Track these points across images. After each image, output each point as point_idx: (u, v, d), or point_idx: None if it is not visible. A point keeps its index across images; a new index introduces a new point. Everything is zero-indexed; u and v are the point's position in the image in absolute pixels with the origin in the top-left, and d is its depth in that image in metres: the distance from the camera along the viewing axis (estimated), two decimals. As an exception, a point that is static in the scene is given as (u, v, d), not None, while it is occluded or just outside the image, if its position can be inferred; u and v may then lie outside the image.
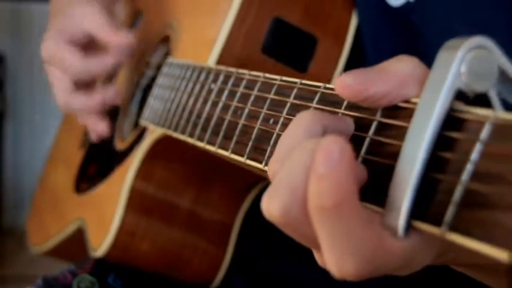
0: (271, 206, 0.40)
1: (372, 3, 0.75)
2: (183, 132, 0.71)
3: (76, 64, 0.88)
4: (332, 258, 0.38)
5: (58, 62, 0.90)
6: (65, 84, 0.91)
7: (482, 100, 0.37)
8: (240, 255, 0.89)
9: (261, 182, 0.86)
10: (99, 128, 0.94)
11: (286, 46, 0.77)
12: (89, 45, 0.91)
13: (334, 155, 0.36)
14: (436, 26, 0.68)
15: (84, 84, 0.92)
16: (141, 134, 0.89)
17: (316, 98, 0.50)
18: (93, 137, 0.98)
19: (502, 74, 0.37)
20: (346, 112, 0.46)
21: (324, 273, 0.82)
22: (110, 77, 1.09)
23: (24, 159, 2.42)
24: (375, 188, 0.40)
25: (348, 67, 0.79)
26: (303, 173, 0.39)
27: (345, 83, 0.42)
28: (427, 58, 0.73)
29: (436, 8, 0.68)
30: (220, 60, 0.75)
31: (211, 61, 0.75)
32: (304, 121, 0.44)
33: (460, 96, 0.37)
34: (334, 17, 0.79)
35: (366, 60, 0.78)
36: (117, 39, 0.88)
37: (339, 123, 0.45)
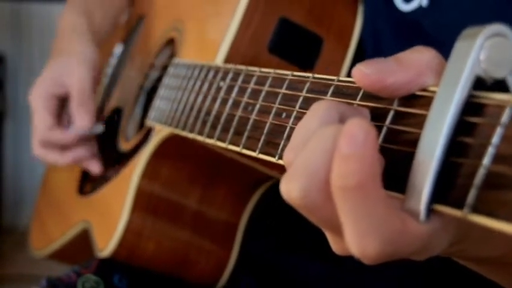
0: (291, 188, 0.41)
1: (380, 7, 0.76)
2: (191, 131, 0.71)
3: (43, 131, 0.99)
4: (354, 239, 0.39)
5: (33, 117, 1.01)
6: (38, 139, 1.01)
7: (500, 86, 0.38)
8: (246, 254, 0.89)
9: (267, 181, 0.86)
10: (89, 169, 1.03)
11: (293, 46, 0.78)
12: (66, 100, 1.01)
13: (360, 136, 0.37)
14: (449, 31, 0.69)
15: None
16: (147, 135, 0.90)
17: (330, 91, 0.51)
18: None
19: (520, 61, 0.38)
20: (362, 103, 0.47)
21: (331, 269, 0.82)
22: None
23: (24, 159, 2.41)
24: (394, 175, 0.41)
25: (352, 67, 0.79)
26: (322, 156, 0.40)
27: (363, 73, 0.43)
28: None
29: (449, 13, 0.69)
30: (227, 60, 0.76)
31: (218, 61, 0.76)
32: (320, 110, 0.45)
33: (478, 82, 0.38)
34: (339, 17, 0.80)
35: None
36: (80, 121, 0.98)
37: (355, 112, 0.45)
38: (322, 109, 0.45)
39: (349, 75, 0.79)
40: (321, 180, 0.40)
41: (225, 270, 0.89)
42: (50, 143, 1.00)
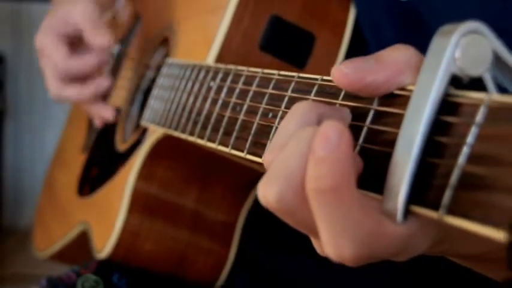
0: (267, 192, 0.41)
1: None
2: (183, 131, 0.71)
3: (61, 62, 0.94)
4: (330, 242, 0.39)
5: (47, 57, 0.96)
6: (55, 75, 0.97)
7: (477, 85, 0.38)
8: (242, 253, 0.89)
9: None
10: (103, 113, 0.99)
11: (285, 43, 0.77)
12: (80, 40, 0.97)
13: (333, 139, 0.37)
14: (446, 19, 0.68)
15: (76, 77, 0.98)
16: (142, 135, 0.90)
17: (314, 90, 0.50)
18: (97, 123, 1.02)
19: (497, 58, 0.38)
20: (344, 102, 0.46)
21: (326, 269, 0.82)
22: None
23: (24, 159, 2.42)
24: (373, 175, 0.41)
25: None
26: (298, 159, 0.40)
27: (342, 72, 0.43)
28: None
29: (446, 1, 0.68)
30: (219, 59, 0.75)
31: (210, 60, 0.76)
32: (298, 111, 0.45)
33: (455, 81, 0.38)
34: (332, 14, 0.79)
35: (368, 54, 0.78)
36: (97, 41, 0.93)
37: (335, 113, 0.45)
38: (300, 110, 0.44)
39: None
40: (297, 183, 0.40)
41: (223, 269, 0.88)
42: (69, 73, 0.96)
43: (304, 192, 0.39)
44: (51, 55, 0.95)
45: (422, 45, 0.72)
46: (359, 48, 0.79)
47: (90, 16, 0.95)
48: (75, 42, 0.98)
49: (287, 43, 0.77)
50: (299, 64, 0.77)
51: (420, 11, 0.70)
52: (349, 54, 0.79)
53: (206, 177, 0.86)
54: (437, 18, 0.68)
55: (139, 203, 0.84)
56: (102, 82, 0.97)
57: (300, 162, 0.40)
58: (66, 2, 0.99)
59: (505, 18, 0.62)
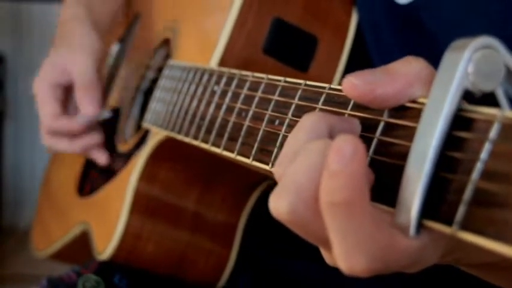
0: (278, 204, 0.41)
1: (377, 1, 0.75)
2: (186, 135, 0.71)
3: (49, 120, 0.98)
4: (342, 255, 0.39)
5: (38, 106, 0.99)
6: (45, 129, 1.01)
7: (489, 99, 0.38)
8: (244, 255, 0.89)
9: (265, 180, 0.86)
10: (97, 160, 1.01)
11: (287, 46, 0.77)
12: (71, 89, 0.99)
13: (347, 153, 0.37)
14: (446, 22, 0.68)
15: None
16: (144, 136, 0.89)
17: (322, 99, 0.50)
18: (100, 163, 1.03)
19: (509, 73, 0.38)
20: (353, 113, 0.46)
21: (329, 270, 0.82)
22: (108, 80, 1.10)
23: (24, 159, 2.41)
24: (384, 188, 0.41)
25: (351, 65, 0.79)
26: (309, 172, 0.40)
27: (352, 84, 0.43)
28: (435, 54, 0.73)
29: (445, 6, 0.68)
30: (222, 62, 0.75)
31: (213, 63, 0.75)
32: (309, 122, 0.45)
33: (467, 95, 0.38)
34: (334, 17, 0.79)
35: (369, 58, 0.78)
36: (86, 109, 0.96)
37: (344, 124, 0.45)
38: (310, 122, 0.44)
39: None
40: (309, 196, 0.40)
41: (225, 270, 0.89)
42: (57, 131, 0.99)
43: (316, 204, 0.39)
44: (43, 110, 0.98)
45: (421, 49, 0.72)
46: (361, 51, 0.79)
47: (85, 75, 0.97)
48: (68, 93, 1.00)
49: (290, 46, 0.77)
50: (302, 67, 0.77)
51: (418, 16, 0.70)
52: (352, 58, 0.79)
53: (208, 179, 0.86)
54: (434, 23, 0.69)
55: (141, 205, 0.84)
56: (88, 141, 1.00)
57: (312, 175, 0.40)
58: (67, 43, 1.00)
59: (507, 25, 0.63)
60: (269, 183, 0.86)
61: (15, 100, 2.36)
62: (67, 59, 0.98)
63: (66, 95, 1.00)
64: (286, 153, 0.45)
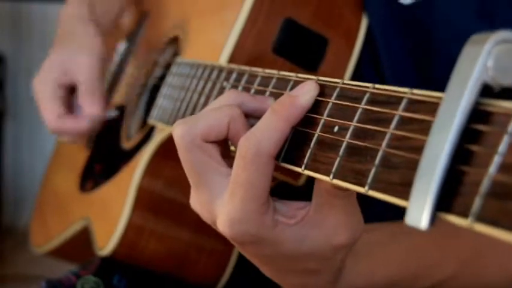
0: (176, 127, 0.53)
1: (383, 2, 0.75)
2: (194, 131, 0.70)
3: (53, 122, 0.97)
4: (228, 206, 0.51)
5: (40, 107, 0.99)
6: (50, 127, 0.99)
7: (508, 94, 0.38)
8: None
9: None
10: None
11: (297, 47, 0.77)
12: (74, 90, 0.99)
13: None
14: (447, 25, 0.68)
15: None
16: (149, 133, 0.89)
17: (335, 94, 0.50)
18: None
19: (528, 69, 0.38)
20: (367, 107, 0.46)
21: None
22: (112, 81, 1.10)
23: (24, 159, 2.41)
24: (399, 181, 0.41)
25: (362, 67, 0.79)
26: (209, 118, 0.53)
27: None
28: (433, 55, 0.73)
29: (447, 7, 0.68)
30: (231, 60, 0.75)
31: (222, 61, 0.75)
32: (223, 95, 0.56)
33: (486, 89, 0.38)
34: (345, 18, 0.79)
35: (379, 61, 0.78)
36: (90, 110, 0.96)
37: (256, 103, 0.55)
38: (224, 95, 0.56)
39: (353, 78, 0.79)
40: (200, 133, 0.52)
41: (226, 270, 0.88)
42: (63, 131, 0.98)
43: (201, 142, 0.52)
44: (45, 111, 0.97)
45: (425, 51, 0.73)
46: (371, 52, 0.79)
47: (88, 75, 0.96)
48: (71, 93, 0.99)
49: (300, 46, 0.77)
50: (311, 68, 0.77)
51: (420, 17, 0.71)
52: (361, 58, 0.79)
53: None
54: (436, 24, 0.69)
55: (144, 201, 0.84)
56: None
57: (210, 122, 0.52)
58: (69, 43, 0.99)
59: (504, 18, 0.63)
60: (273, 184, 0.86)
61: (15, 100, 2.36)
62: (69, 59, 0.98)
63: (69, 96, 0.99)
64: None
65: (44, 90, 0.98)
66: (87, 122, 0.96)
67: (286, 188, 0.78)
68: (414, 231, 0.66)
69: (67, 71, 0.97)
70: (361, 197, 0.53)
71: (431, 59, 0.71)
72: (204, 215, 0.56)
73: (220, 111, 0.53)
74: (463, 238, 0.65)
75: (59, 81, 0.97)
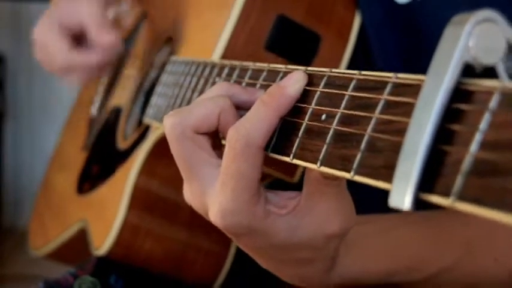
0: (167, 119, 0.53)
1: (377, 1, 0.75)
2: (187, 127, 0.70)
3: (61, 58, 0.93)
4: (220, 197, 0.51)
5: (45, 49, 0.94)
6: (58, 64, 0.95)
7: (489, 74, 0.38)
8: (241, 252, 0.88)
9: (265, 179, 0.86)
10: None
11: (290, 43, 0.77)
12: (82, 36, 0.95)
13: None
14: (442, 25, 0.68)
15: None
16: (144, 132, 0.89)
17: (323, 83, 0.50)
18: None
19: (510, 48, 0.37)
20: (354, 93, 0.46)
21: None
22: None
23: (24, 159, 2.42)
24: (384, 165, 0.40)
25: (355, 65, 0.79)
26: (200, 109, 0.53)
27: None
28: (427, 55, 0.73)
29: (442, 7, 0.68)
30: (224, 57, 0.75)
31: (215, 58, 0.75)
32: (214, 86, 0.56)
33: (468, 69, 0.38)
34: (338, 15, 0.79)
35: (372, 59, 0.78)
36: (104, 39, 0.92)
37: (245, 95, 0.55)
38: (215, 86, 0.56)
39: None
40: (191, 125, 0.52)
41: (222, 269, 0.88)
42: (73, 66, 0.94)
43: (191, 134, 0.52)
44: (52, 46, 0.93)
45: (420, 50, 0.73)
46: (364, 50, 0.79)
47: (96, 14, 0.93)
48: (77, 39, 0.96)
49: (293, 43, 0.77)
50: (304, 64, 0.76)
51: (416, 16, 0.70)
52: (355, 56, 0.79)
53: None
54: (431, 24, 0.69)
55: (140, 199, 0.84)
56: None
57: (201, 111, 0.52)
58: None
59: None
60: (269, 181, 0.86)
61: (15, 100, 2.37)
62: (73, 5, 0.95)
63: (75, 41, 0.95)
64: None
65: (49, 34, 0.94)
66: (100, 53, 0.92)
67: (282, 186, 0.78)
68: (405, 225, 0.66)
69: (69, 13, 0.95)
70: (353, 190, 0.53)
71: (425, 59, 0.71)
72: (197, 206, 0.55)
73: (211, 102, 0.53)
74: (456, 231, 0.64)
75: (64, 24, 0.94)
